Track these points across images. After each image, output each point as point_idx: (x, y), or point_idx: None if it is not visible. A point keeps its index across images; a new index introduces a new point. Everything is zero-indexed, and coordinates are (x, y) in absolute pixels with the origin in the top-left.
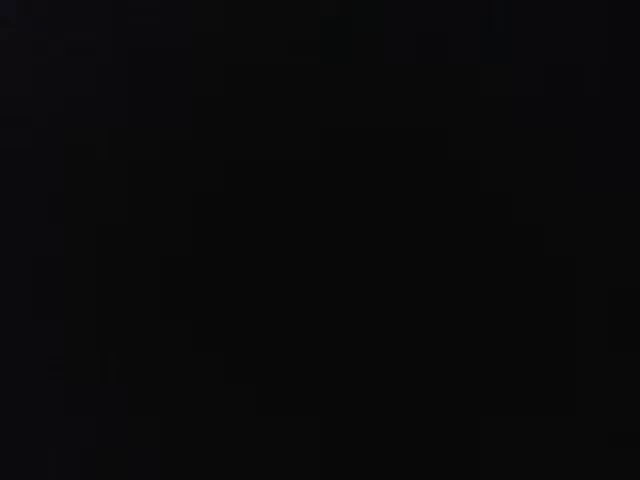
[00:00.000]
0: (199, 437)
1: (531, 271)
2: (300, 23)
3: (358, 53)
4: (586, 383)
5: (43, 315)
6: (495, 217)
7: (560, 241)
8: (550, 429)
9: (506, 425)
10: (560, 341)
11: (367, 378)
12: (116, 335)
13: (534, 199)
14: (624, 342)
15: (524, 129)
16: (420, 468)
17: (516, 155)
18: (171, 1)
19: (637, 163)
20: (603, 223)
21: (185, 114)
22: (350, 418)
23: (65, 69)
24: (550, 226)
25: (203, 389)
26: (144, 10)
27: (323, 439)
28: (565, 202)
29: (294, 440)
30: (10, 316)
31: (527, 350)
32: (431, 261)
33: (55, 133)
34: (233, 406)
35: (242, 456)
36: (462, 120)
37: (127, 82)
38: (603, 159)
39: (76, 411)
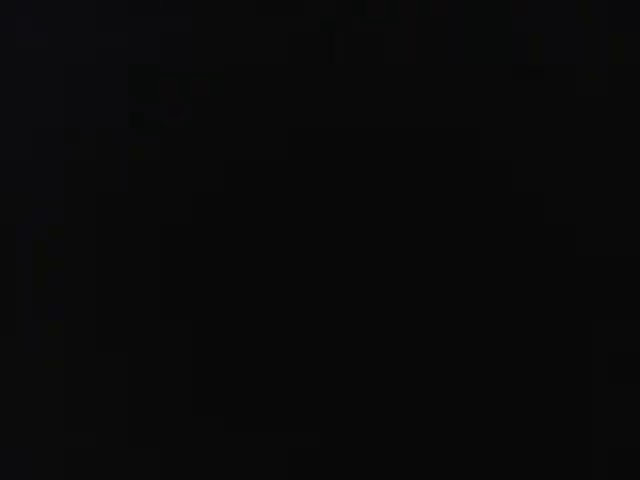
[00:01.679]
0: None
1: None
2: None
3: (358, 53)
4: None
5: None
6: (495, 218)
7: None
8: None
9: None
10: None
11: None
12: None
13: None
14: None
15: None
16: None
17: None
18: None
19: None
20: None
21: (185, 114)
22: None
23: (66, 67)
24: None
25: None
26: (144, 11)
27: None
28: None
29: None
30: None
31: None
32: (434, 263)
33: (56, 132)
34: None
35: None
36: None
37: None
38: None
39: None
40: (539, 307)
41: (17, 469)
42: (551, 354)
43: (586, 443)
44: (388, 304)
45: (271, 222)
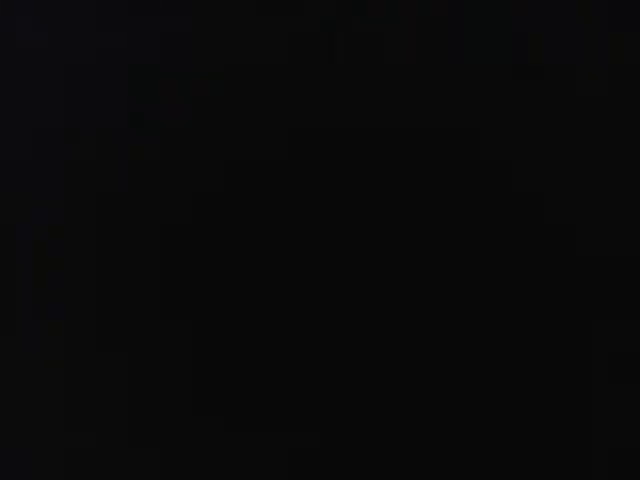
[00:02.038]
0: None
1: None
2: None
3: (358, 53)
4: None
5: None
6: (495, 218)
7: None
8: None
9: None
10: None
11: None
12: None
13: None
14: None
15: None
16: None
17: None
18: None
19: None
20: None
21: (185, 114)
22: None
23: (67, 67)
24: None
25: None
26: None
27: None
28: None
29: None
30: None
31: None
32: (435, 263)
33: (57, 133)
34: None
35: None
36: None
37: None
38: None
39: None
40: (539, 307)
41: (17, 469)
42: (551, 354)
43: (586, 443)
44: (388, 304)
45: (271, 222)
